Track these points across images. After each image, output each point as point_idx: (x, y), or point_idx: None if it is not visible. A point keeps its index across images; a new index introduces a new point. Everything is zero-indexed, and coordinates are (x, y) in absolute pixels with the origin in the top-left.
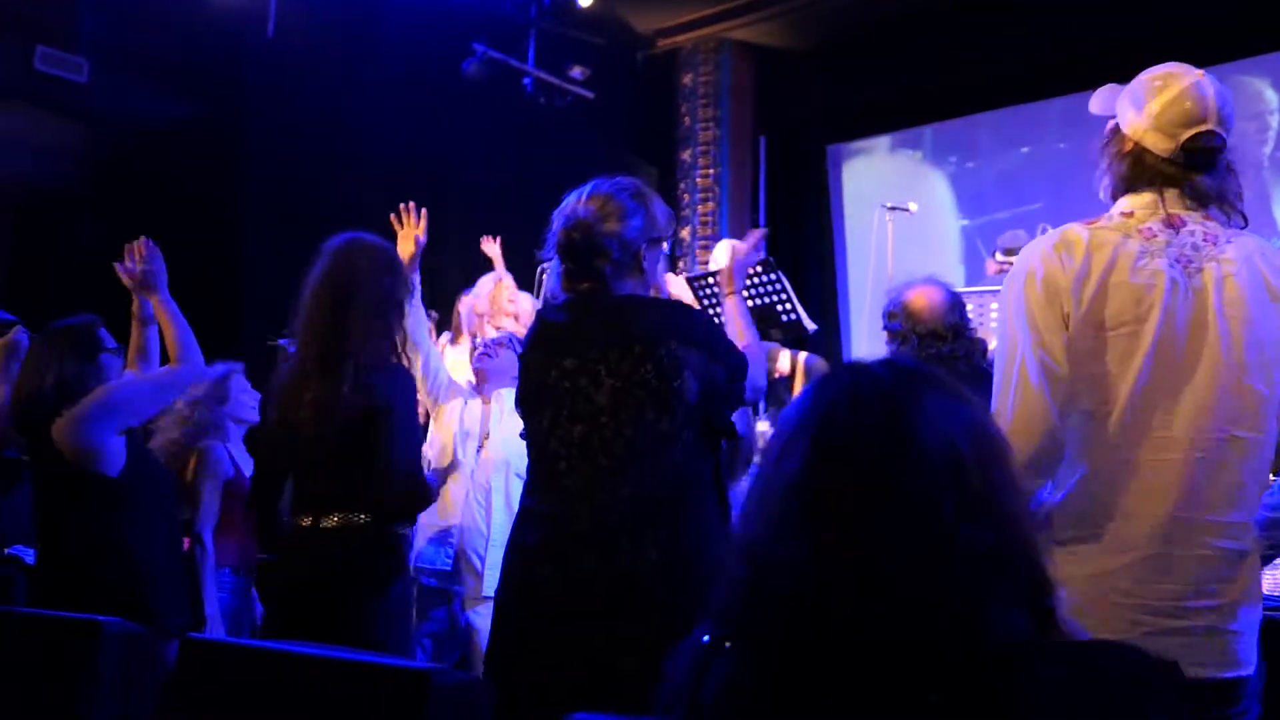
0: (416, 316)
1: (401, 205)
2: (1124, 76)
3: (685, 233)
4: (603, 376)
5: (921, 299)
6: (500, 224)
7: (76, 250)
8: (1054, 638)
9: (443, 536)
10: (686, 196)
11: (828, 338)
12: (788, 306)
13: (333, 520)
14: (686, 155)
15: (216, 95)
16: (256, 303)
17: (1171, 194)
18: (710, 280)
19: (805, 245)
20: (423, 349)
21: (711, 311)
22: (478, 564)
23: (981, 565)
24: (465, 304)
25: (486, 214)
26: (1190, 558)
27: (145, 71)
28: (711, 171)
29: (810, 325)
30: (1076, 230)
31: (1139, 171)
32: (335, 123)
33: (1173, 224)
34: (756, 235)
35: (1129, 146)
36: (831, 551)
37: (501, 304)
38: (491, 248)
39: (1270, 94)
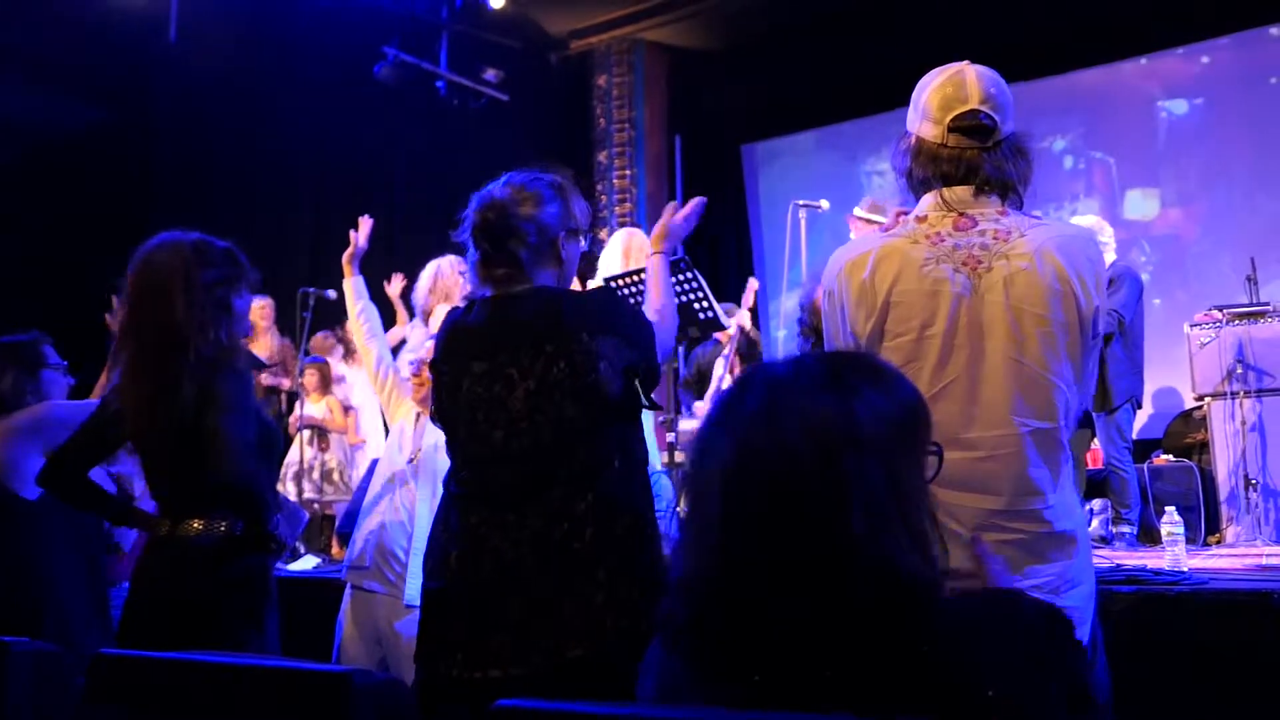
0: (370, 314)
1: (360, 219)
2: (1042, 70)
3: (604, 234)
4: (516, 380)
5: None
6: (417, 227)
7: None
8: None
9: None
10: (604, 198)
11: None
12: (704, 304)
13: (193, 526)
14: (603, 156)
15: (120, 101)
16: None
17: (956, 192)
18: (631, 279)
19: (722, 243)
20: (375, 347)
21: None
22: (397, 566)
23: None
24: (421, 289)
25: (404, 217)
26: (1007, 544)
27: (43, 77)
28: (628, 172)
29: (727, 322)
30: (869, 244)
31: (921, 164)
32: (244, 128)
33: (961, 226)
34: (696, 203)
35: (910, 143)
36: (748, 543)
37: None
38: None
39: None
